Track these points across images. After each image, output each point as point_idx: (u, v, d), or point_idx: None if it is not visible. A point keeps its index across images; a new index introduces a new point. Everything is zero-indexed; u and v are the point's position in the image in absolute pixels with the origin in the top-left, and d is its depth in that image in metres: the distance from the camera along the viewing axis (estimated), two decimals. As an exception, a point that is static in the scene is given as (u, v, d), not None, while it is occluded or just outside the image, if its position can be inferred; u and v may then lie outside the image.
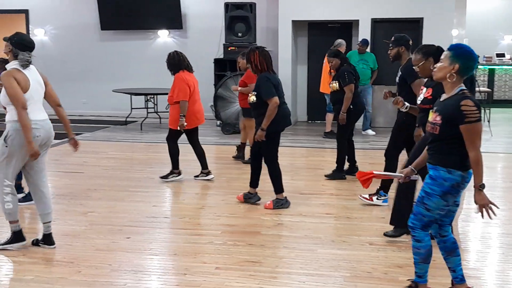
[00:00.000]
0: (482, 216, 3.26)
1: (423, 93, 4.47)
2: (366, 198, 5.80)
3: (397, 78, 5.45)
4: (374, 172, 3.75)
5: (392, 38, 5.60)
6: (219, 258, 4.35)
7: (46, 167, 4.67)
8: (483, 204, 3.23)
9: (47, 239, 4.59)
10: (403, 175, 3.66)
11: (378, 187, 5.80)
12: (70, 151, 7.12)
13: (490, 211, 3.23)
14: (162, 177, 6.82)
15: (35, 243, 4.62)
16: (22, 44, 4.37)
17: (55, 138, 9.80)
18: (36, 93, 4.43)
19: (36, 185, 4.56)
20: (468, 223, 5.38)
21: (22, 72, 4.34)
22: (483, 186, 3.22)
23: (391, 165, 5.56)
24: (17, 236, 4.52)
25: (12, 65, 4.37)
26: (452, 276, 3.64)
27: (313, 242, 4.73)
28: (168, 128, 6.83)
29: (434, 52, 4.37)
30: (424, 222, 3.41)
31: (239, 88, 7.55)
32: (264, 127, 5.45)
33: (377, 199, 5.78)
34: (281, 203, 5.68)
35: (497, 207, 3.27)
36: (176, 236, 4.94)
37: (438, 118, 3.30)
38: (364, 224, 5.21)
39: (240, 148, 8.05)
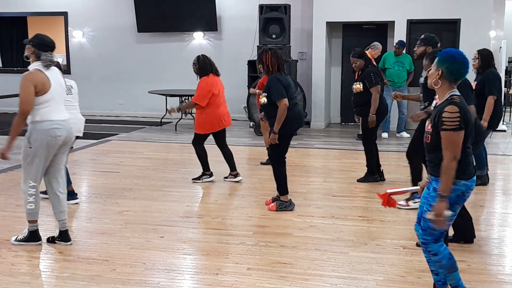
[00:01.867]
0: (431, 224, 3.19)
1: (435, 99, 4.40)
2: (403, 205, 5.71)
3: (422, 79, 5.40)
4: (388, 190, 3.72)
5: (422, 36, 5.54)
6: (251, 259, 4.37)
7: (64, 168, 4.77)
8: (438, 214, 3.14)
9: (64, 236, 4.69)
10: (420, 188, 3.57)
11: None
12: (106, 151, 7.24)
13: (439, 224, 3.16)
14: (194, 179, 6.90)
15: (51, 240, 4.71)
16: (43, 45, 4.43)
17: (91, 139, 9.95)
18: (57, 93, 4.49)
19: (51, 183, 4.65)
20: (505, 228, 5.27)
21: (43, 73, 4.40)
22: (444, 196, 3.12)
23: (414, 167, 5.51)
24: (32, 236, 4.63)
25: (35, 65, 4.42)
26: (434, 279, 3.59)
27: (346, 244, 4.71)
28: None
29: None
30: (435, 236, 3.31)
31: (257, 91, 7.56)
32: (276, 130, 5.43)
33: (413, 203, 5.68)
34: (284, 205, 5.65)
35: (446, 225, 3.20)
36: (208, 236, 4.98)
37: (429, 127, 3.26)
38: (397, 228, 5.16)
39: None
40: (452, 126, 3.09)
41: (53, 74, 4.49)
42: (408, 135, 10.24)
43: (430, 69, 4.31)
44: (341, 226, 5.20)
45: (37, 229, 4.66)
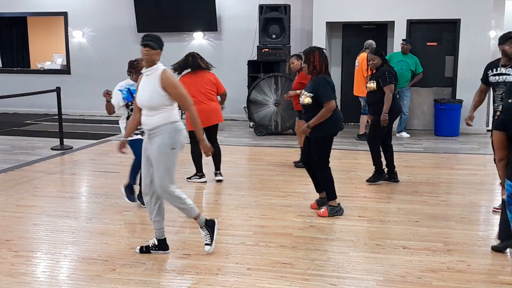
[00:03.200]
0: None
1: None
2: (498, 209, 5.41)
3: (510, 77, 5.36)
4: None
5: None
6: (251, 259, 4.37)
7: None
8: None
9: (163, 245, 4.54)
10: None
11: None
12: (106, 151, 7.20)
13: None
14: (187, 178, 6.93)
15: (144, 250, 4.50)
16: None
17: (91, 139, 9.90)
18: None
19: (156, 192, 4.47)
20: (505, 228, 5.27)
21: None
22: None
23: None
24: (210, 225, 4.52)
25: (162, 66, 4.39)
26: None
27: (346, 244, 4.71)
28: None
29: None
30: None
31: (293, 92, 7.17)
32: (311, 125, 5.31)
33: None
34: (335, 210, 5.52)
35: None
36: (208, 236, 4.97)
37: None
38: (397, 228, 5.16)
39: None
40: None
41: None
42: (408, 135, 10.24)
43: None
44: (341, 226, 5.20)
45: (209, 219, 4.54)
